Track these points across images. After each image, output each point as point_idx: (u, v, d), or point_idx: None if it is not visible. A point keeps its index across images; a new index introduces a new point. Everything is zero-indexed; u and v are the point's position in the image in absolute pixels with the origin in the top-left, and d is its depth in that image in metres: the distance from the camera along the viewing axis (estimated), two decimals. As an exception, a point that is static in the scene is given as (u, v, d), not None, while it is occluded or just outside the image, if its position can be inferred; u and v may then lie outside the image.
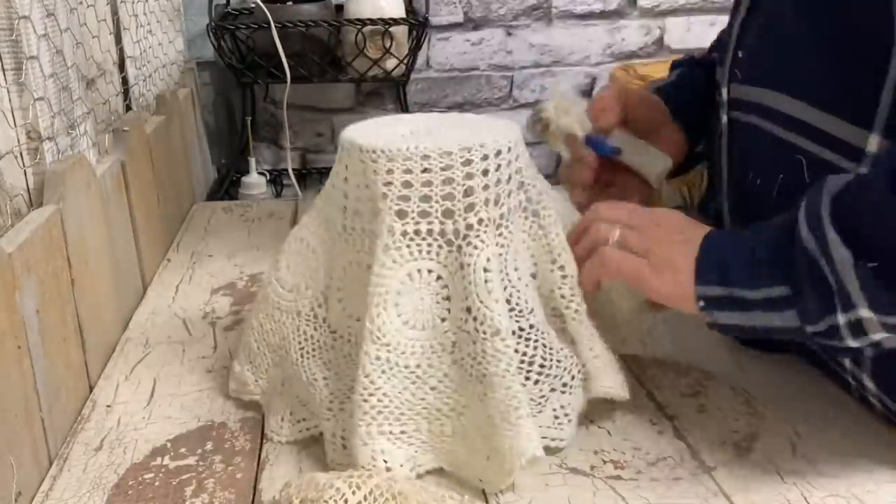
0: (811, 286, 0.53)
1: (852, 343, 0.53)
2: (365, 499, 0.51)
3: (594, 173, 0.76)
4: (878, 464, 0.61)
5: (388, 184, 0.59)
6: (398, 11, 1.50)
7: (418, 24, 1.50)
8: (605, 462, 0.62)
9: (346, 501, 0.50)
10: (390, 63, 1.49)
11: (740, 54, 0.71)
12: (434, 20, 1.67)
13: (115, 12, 1.04)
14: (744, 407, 0.69)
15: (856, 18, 0.58)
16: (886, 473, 0.60)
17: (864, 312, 0.51)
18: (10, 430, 0.57)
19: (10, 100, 0.67)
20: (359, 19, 1.46)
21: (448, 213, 0.59)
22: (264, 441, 0.65)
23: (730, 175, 0.74)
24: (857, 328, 0.52)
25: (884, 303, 0.50)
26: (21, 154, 0.69)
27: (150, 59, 1.21)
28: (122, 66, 1.05)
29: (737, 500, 0.57)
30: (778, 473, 0.60)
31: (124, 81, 1.06)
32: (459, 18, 1.70)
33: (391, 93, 1.71)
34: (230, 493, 0.59)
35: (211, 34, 1.46)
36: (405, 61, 1.51)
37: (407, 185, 0.59)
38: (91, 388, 0.74)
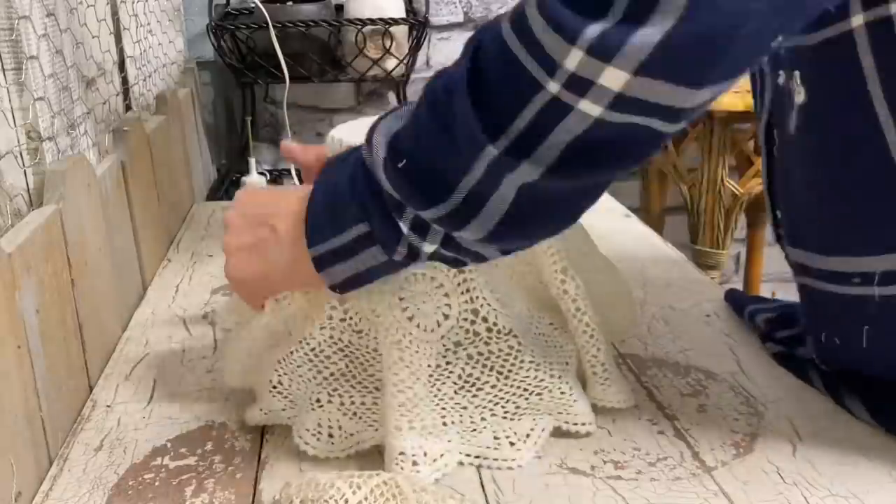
0: (375, 208, 0.54)
1: (429, 246, 0.54)
2: (365, 499, 0.51)
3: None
4: (879, 464, 0.61)
5: None
6: (398, 11, 1.50)
7: (418, 24, 1.50)
8: (605, 462, 0.62)
9: (346, 502, 0.50)
10: (390, 63, 1.49)
11: None
12: (434, 20, 1.67)
13: (115, 12, 1.04)
14: (744, 407, 0.69)
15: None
16: (886, 473, 0.60)
17: (410, 211, 0.53)
18: (10, 430, 0.57)
19: (10, 100, 0.67)
20: (359, 19, 1.46)
21: None
22: (264, 441, 0.65)
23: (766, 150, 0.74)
24: (419, 227, 0.53)
25: (415, 200, 0.52)
26: (21, 154, 0.69)
27: (150, 59, 1.21)
28: (122, 66, 1.05)
29: (737, 500, 0.57)
30: (778, 473, 0.60)
31: (124, 81, 1.06)
32: (459, 18, 1.70)
33: (391, 92, 1.71)
34: (230, 493, 0.59)
35: (211, 34, 1.46)
36: (405, 61, 1.51)
37: None
38: (91, 388, 0.74)
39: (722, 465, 0.61)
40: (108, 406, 0.71)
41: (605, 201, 1.25)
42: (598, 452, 0.63)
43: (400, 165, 0.51)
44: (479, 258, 0.56)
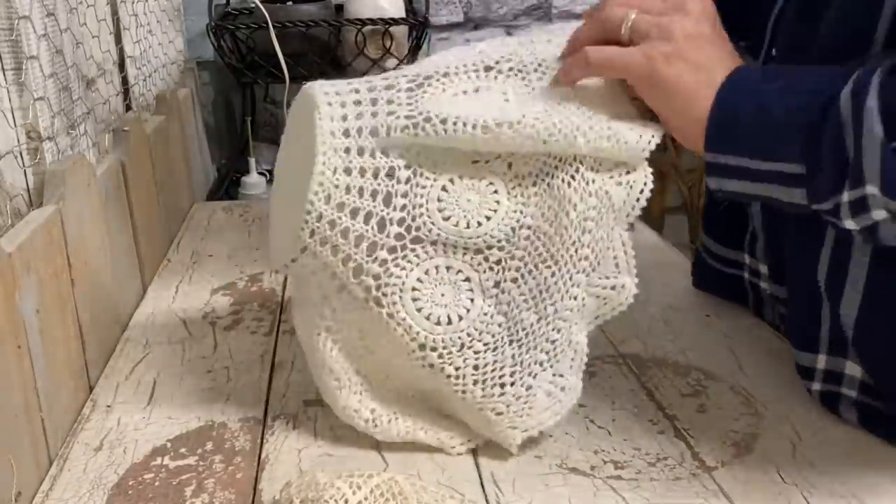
0: (829, 162, 0.51)
1: (849, 223, 0.52)
2: (365, 499, 0.51)
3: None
4: (879, 464, 0.61)
5: None
6: (398, 11, 1.50)
7: (418, 24, 1.50)
8: (605, 462, 0.62)
9: (346, 501, 0.50)
10: (390, 63, 1.49)
11: (773, 52, 0.70)
12: (434, 20, 1.67)
13: (115, 12, 1.04)
14: (744, 407, 0.69)
15: None
16: (886, 473, 0.60)
17: (870, 189, 0.49)
18: (10, 430, 0.57)
19: (10, 100, 0.67)
20: (359, 19, 1.46)
21: None
22: (264, 441, 0.65)
23: None
24: (859, 206, 0.50)
25: (893, 185, 0.48)
26: (21, 154, 0.69)
27: (150, 59, 1.21)
28: (122, 66, 1.05)
29: (737, 500, 0.57)
30: (778, 473, 0.60)
31: (124, 81, 1.06)
32: (459, 18, 1.70)
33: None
34: (230, 493, 0.59)
35: (211, 34, 1.46)
36: (405, 61, 1.51)
37: None
38: (91, 388, 0.74)
39: (722, 465, 0.61)
40: (108, 406, 0.71)
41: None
42: (598, 452, 0.63)
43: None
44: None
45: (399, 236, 0.58)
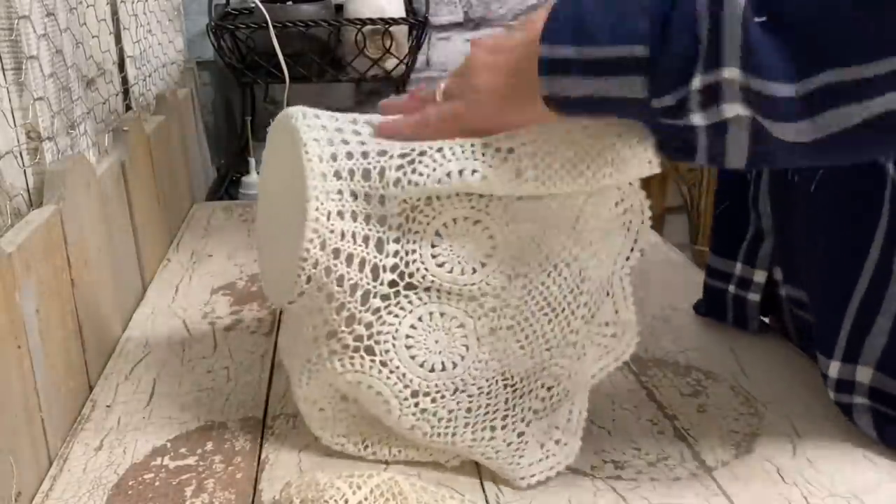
0: (679, 42, 0.45)
1: (696, 119, 0.46)
2: (366, 499, 0.51)
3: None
4: (879, 464, 0.61)
5: None
6: (398, 11, 1.50)
7: (418, 24, 1.50)
8: (605, 462, 0.62)
9: (346, 501, 0.50)
10: (390, 63, 1.49)
11: None
12: (434, 20, 1.67)
13: (115, 12, 1.04)
14: (744, 407, 0.69)
15: None
16: (886, 473, 0.60)
17: (728, 73, 0.44)
18: (10, 430, 0.57)
19: (10, 100, 0.67)
20: (359, 19, 1.46)
21: None
22: (264, 441, 0.65)
23: (771, 172, 0.74)
24: (710, 94, 0.45)
25: (760, 63, 0.43)
26: (21, 154, 0.69)
27: (150, 58, 1.21)
28: (122, 66, 1.05)
29: (737, 500, 0.57)
30: (778, 473, 0.60)
31: (124, 81, 1.06)
32: (459, 18, 1.70)
33: (391, 92, 1.71)
34: (230, 493, 0.59)
35: (211, 34, 1.46)
36: (405, 61, 1.51)
37: None
38: (91, 388, 0.74)
39: (722, 465, 0.61)
40: (108, 406, 0.71)
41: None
42: (598, 452, 0.63)
43: (761, 20, 0.43)
44: (738, 159, 0.47)
45: (392, 283, 0.56)
